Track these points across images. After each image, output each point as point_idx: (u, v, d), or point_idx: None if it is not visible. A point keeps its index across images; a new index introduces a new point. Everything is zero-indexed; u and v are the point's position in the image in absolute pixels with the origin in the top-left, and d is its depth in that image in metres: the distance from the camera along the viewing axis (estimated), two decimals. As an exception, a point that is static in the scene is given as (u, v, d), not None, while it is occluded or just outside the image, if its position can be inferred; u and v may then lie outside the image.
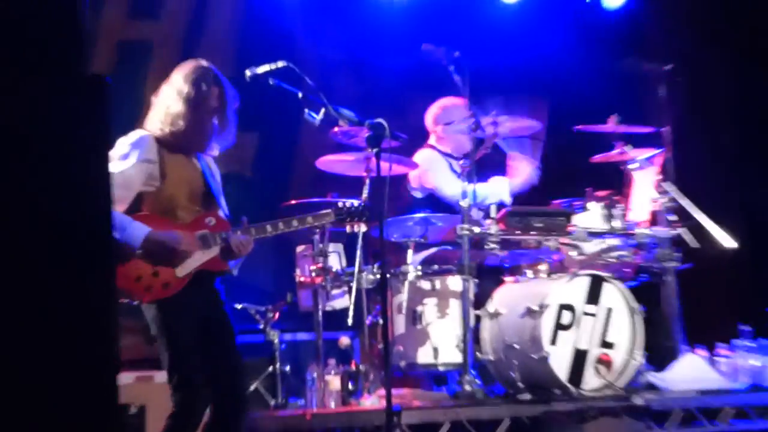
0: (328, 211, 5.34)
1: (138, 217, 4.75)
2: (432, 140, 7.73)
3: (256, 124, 8.29)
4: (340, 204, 5.45)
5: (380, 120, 5.18)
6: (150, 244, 4.69)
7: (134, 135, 4.90)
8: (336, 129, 6.50)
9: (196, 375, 4.77)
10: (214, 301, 4.96)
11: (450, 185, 7.31)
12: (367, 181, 6.55)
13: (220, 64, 5.20)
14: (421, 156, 7.43)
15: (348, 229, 5.70)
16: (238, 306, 6.79)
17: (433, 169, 7.43)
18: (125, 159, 4.79)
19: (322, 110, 5.26)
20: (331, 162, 6.84)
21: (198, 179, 5.00)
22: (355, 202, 5.52)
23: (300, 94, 5.29)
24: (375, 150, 5.19)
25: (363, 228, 6.13)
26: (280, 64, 5.28)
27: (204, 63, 5.07)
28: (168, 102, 4.95)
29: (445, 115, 7.61)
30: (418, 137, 7.67)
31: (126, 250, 4.66)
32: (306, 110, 5.32)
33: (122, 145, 4.83)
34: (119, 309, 4.53)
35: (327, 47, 8.83)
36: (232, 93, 5.07)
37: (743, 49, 9.29)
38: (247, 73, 5.28)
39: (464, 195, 6.50)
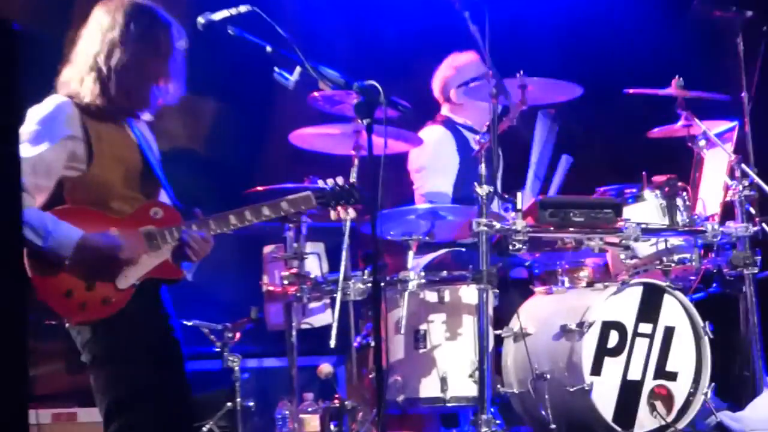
0: (307, 193, 5.32)
1: (61, 211, 4.74)
2: (445, 110, 7.75)
3: (211, 87, 8.30)
4: (321, 183, 5.44)
5: (373, 82, 5.19)
6: (83, 252, 4.68)
7: (49, 103, 4.87)
8: (316, 94, 6.54)
9: (142, 421, 4.77)
10: (162, 318, 4.97)
11: (441, 186, 7.38)
12: (356, 162, 6.59)
13: (165, 6, 5.19)
14: (427, 135, 7.46)
15: (333, 215, 5.70)
16: (188, 323, 6.80)
17: (430, 162, 7.53)
18: (41, 137, 4.76)
19: (298, 69, 5.26)
20: (308, 137, 6.89)
21: (134, 154, 4.98)
22: (340, 180, 5.48)
23: (269, 48, 5.28)
24: (366, 121, 5.21)
25: (352, 214, 6.13)
26: (243, 8, 5.29)
27: None
28: (95, 48, 4.91)
29: (459, 77, 7.65)
30: (424, 105, 7.71)
31: (52, 260, 4.65)
32: (276, 69, 5.32)
33: (35, 117, 4.80)
34: (37, 329, 4.57)
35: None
36: (177, 30, 5.05)
37: None
38: (200, 20, 5.29)
39: (487, 179, 6.50)
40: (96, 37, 4.95)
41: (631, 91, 7.21)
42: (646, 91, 7.23)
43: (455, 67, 7.76)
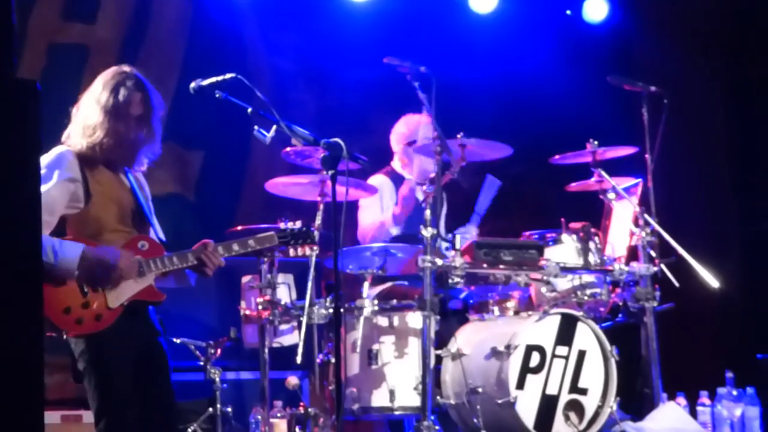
0: (270, 233, 5.43)
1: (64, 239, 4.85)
2: (395, 162, 7.80)
3: (200, 141, 8.34)
4: (282, 225, 5.54)
5: (337, 139, 5.24)
6: (87, 262, 4.78)
7: (53, 153, 4.97)
8: (288, 149, 6.59)
9: (128, 420, 4.85)
10: (149, 334, 5.05)
11: (372, 222, 7.43)
12: (321, 207, 6.65)
13: (163, 73, 5.26)
14: (372, 182, 7.48)
15: (292, 252, 5.75)
16: (177, 340, 6.82)
17: (365, 202, 7.52)
18: (46, 180, 4.85)
19: (274, 127, 5.28)
20: (282, 185, 6.94)
21: (127, 197, 5.10)
22: (299, 224, 5.60)
23: (249, 110, 5.30)
24: (331, 172, 5.27)
25: (308, 252, 6.19)
26: (228, 75, 5.34)
27: (126, 68, 5.14)
28: (86, 113, 5.02)
29: (410, 134, 7.69)
30: (381, 159, 7.76)
31: (63, 274, 4.75)
32: (256, 127, 5.36)
33: (41, 163, 4.84)
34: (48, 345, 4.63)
35: (282, 57, 8.90)
36: (158, 100, 5.14)
37: (737, 71, 9.46)
38: (192, 85, 5.33)
39: (431, 223, 6.57)
40: (86, 101, 5.07)
41: (557, 156, 7.32)
42: (567, 159, 7.34)
43: (407, 124, 7.76)
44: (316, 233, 6.31)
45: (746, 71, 9.40)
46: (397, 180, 7.67)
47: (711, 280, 7.04)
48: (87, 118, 5.00)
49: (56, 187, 4.86)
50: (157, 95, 5.14)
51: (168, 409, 5.04)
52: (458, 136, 6.80)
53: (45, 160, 4.90)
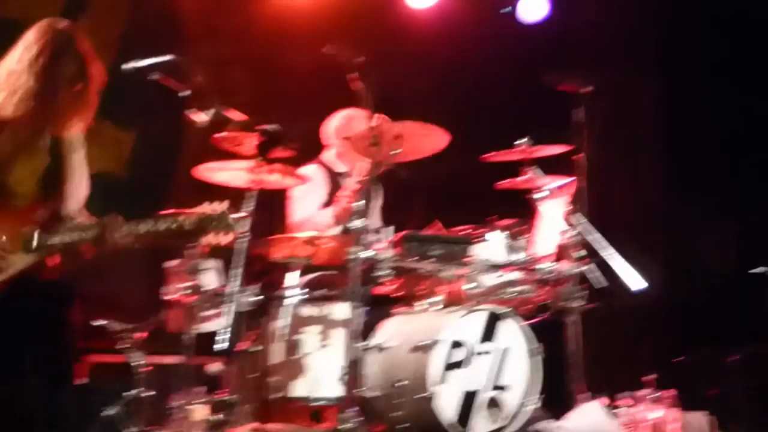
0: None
1: None
2: (328, 155, 7.75)
3: (135, 120, 8.29)
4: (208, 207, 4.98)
5: (273, 126, 5.21)
6: None
7: None
8: (224, 133, 6.55)
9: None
10: (45, 313, 4.77)
11: (309, 217, 7.40)
12: (253, 194, 6.61)
13: (99, 50, 5.14)
14: (305, 171, 7.41)
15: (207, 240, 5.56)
16: (103, 322, 6.75)
17: (298, 192, 7.47)
18: None
19: (210, 111, 5.27)
20: (215, 170, 6.87)
21: (40, 159, 4.81)
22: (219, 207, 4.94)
23: (186, 92, 5.27)
24: (265, 159, 5.21)
25: (224, 240, 6.16)
26: (167, 57, 5.29)
27: (61, 24, 4.84)
28: (14, 75, 4.75)
29: (348, 128, 7.65)
30: (316, 147, 7.74)
31: None
32: (192, 110, 5.32)
33: None
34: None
35: (221, 40, 8.87)
36: (97, 67, 4.88)
37: (672, 73, 9.56)
38: (127, 66, 5.28)
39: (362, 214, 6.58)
40: (15, 58, 4.77)
41: (490, 153, 7.35)
42: (500, 157, 7.37)
43: (347, 118, 7.71)
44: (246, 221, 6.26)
45: (682, 73, 9.49)
46: (329, 171, 7.64)
47: (637, 280, 7.11)
48: (16, 81, 4.73)
49: None
50: (94, 60, 4.85)
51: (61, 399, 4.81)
52: (395, 128, 6.79)
53: None
